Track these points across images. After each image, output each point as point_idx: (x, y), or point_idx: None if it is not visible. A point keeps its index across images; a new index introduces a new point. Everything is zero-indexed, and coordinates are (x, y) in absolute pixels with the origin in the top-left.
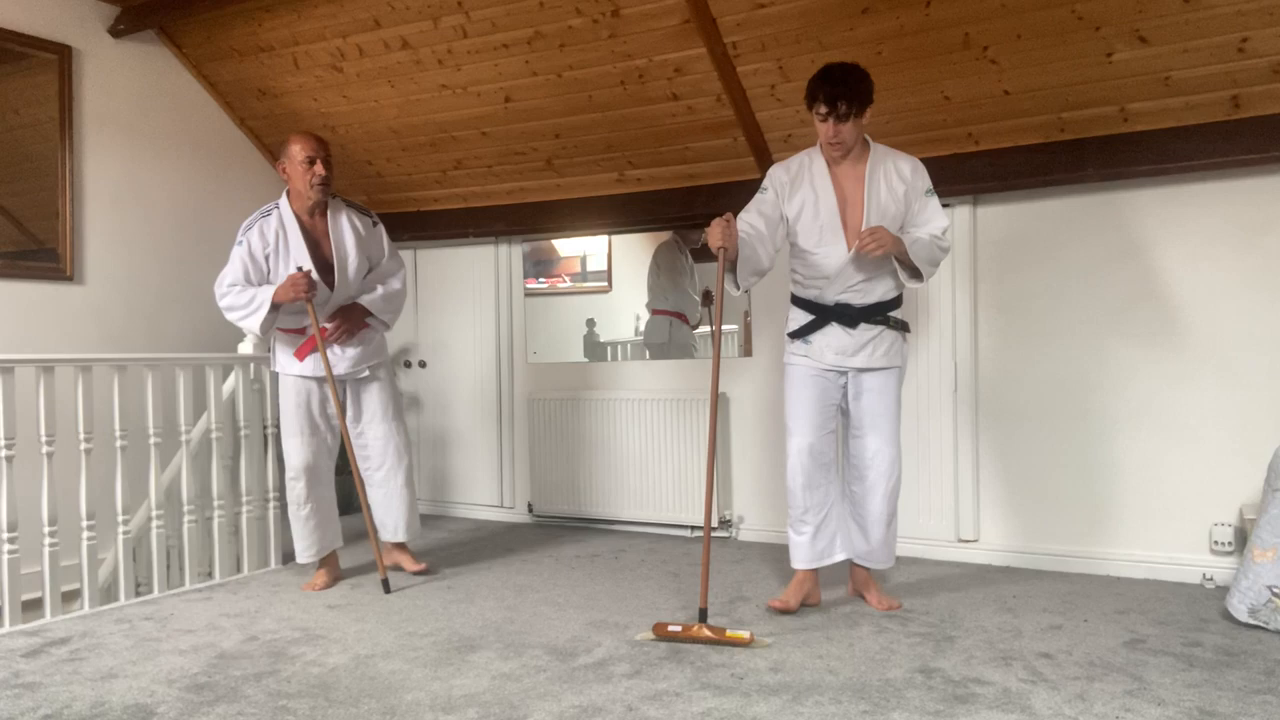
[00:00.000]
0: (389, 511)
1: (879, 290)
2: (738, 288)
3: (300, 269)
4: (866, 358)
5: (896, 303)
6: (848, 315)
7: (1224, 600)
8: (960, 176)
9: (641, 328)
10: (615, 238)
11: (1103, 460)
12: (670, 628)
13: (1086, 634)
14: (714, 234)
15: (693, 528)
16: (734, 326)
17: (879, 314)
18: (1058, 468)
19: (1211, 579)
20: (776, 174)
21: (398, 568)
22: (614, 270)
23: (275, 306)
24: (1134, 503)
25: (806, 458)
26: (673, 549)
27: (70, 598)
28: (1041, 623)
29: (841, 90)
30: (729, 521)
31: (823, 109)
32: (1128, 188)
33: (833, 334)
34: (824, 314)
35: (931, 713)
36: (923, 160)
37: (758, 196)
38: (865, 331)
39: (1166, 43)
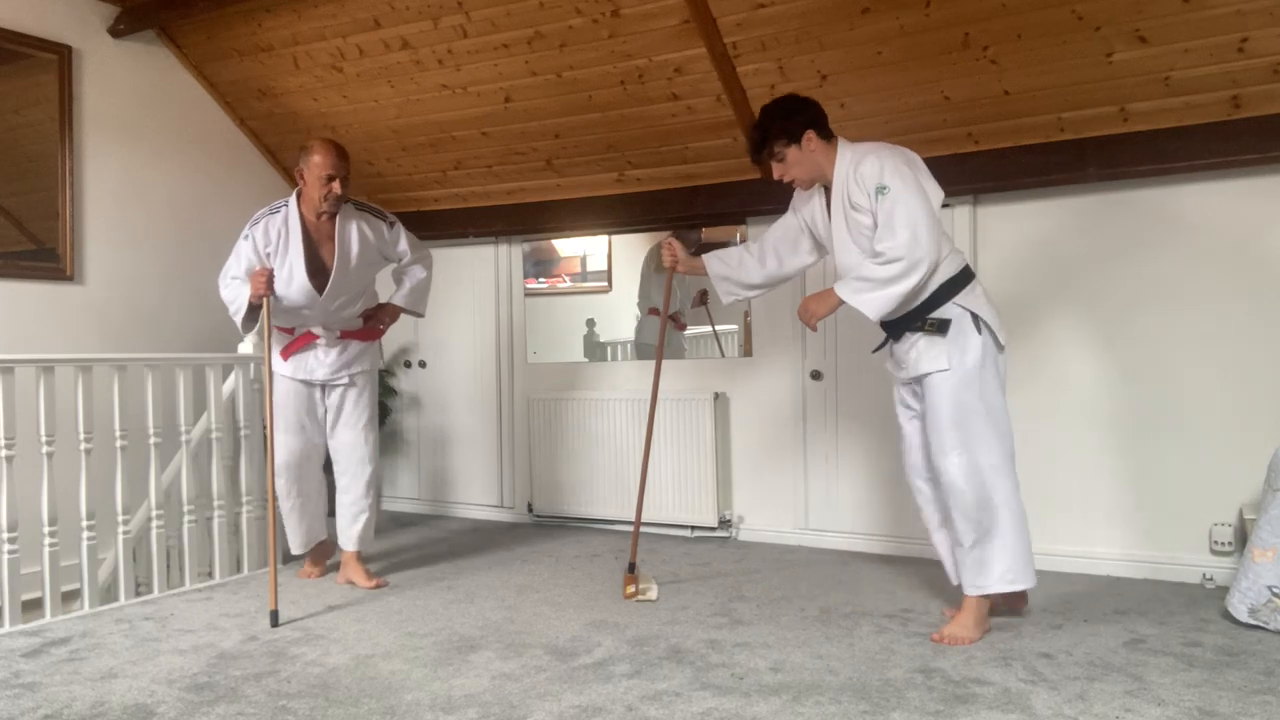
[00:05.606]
0: (342, 516)
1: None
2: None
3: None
4: (912, 368)
5: (932, 304)
6: (888, 327)
7: (1224, 600)
8: (960, 176)
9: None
10: (615, 238)
11: (1103, 460)
12: (628, 590)
13: (1086, 634)
14: (665, 257)
15: (693, 527)
16: (734, 327)
17: (914, 321)
18: (1058, 468)
19: (1211, 579)
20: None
21: (351, 584)
22: (614, 270)
23: (253, 307)
24: (1134, 503)
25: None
26: (673, 549)
27: (70, 598)
28: (1041, 623)
29: (758, 134)
30: (729, 521)
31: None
32: (1128, 188)
33: (893, 349)
34: (885, 329)
35: (931, 713)
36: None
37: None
38: (906, 341)
39: (1166, 43)
